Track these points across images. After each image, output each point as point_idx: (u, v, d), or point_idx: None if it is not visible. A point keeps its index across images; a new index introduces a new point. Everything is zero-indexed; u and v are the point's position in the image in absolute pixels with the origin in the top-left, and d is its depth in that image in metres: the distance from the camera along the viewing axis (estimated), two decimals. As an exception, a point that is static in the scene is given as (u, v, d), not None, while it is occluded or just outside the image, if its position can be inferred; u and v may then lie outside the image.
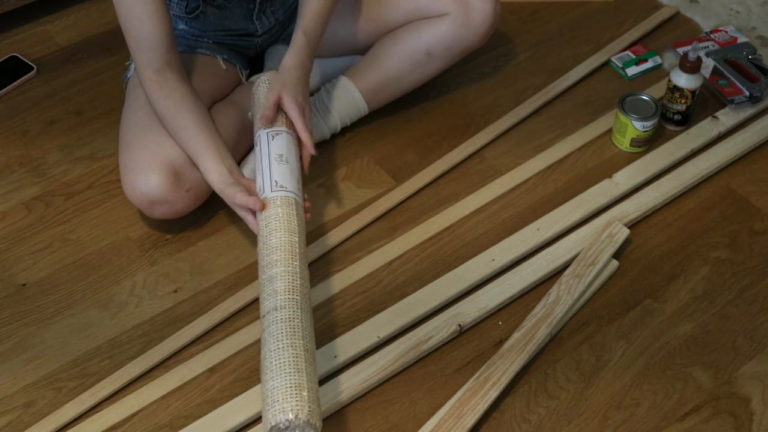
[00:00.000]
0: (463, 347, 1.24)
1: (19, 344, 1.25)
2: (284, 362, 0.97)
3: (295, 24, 1.33)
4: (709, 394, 1.18)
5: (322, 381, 1.18)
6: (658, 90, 1.60)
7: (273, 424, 0.93)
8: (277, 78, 1.27)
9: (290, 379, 0.96)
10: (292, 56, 1.29)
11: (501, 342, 1.23)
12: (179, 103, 1.26)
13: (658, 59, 1.68)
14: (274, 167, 1.18)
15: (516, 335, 1.21)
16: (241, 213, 1.20)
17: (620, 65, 1.66)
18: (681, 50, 1.68)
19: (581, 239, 1.33)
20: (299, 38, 1.30)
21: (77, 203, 1.45)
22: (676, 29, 1.76)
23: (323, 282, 1.32)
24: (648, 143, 1.50)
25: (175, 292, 1.32)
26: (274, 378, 0.96)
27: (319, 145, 1.51)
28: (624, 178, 1.44)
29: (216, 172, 1.22)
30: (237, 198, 1.17)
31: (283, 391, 0.95)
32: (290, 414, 0.93)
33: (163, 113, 1.26)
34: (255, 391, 1.17)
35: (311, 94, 1.52)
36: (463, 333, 1.25)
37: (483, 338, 1.25)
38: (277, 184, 1.16)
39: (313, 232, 1.39)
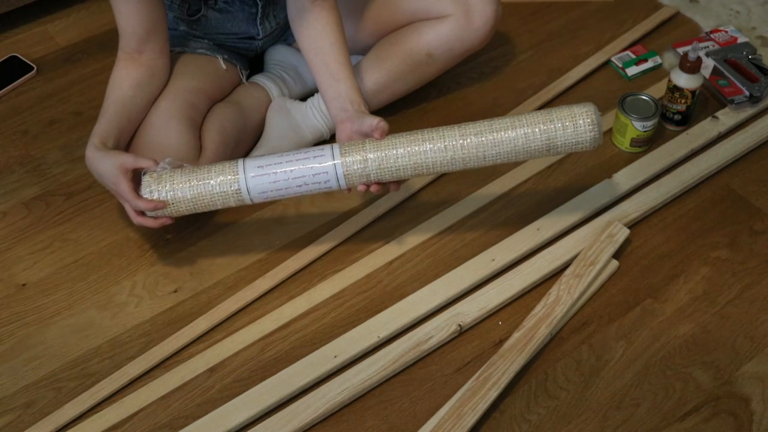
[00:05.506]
0: (463, 347, 1.24)
1: (19, 344, 1.26)
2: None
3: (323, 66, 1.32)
4: (709, 394, 1.18)
5: (322, 381, 1.19)
6: (658, 90, 1.60)
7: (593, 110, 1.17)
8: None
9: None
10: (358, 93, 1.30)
11: (501, 342, 1.23)
12: (117, 82, 1.31)
13: (658, 59, 1.68)
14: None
15: (516, 335, 1.21)
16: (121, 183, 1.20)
17: (620, 65, 1.66)
18: (681, 50, 1.68)
19: (581, 239, 1.33)
20: (353, 82, 1.31)
21: (77, 203, 1.45)
22: (676, 29, 1.76)
23: (323, 282, 1.32)
24: (648, 143, 1.50)
25: (175, 292, 1.32)
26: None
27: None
28: (624, 178, 1.44)
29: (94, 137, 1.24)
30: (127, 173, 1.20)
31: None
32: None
33: (109, 83, 1.32)
34: (255, 391, 1.17)
35: (311, 94, 1.52)
36: (463, 333, 1.25)
37: (483, 338, 1.25)
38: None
39: (313, 231, 1.39)
